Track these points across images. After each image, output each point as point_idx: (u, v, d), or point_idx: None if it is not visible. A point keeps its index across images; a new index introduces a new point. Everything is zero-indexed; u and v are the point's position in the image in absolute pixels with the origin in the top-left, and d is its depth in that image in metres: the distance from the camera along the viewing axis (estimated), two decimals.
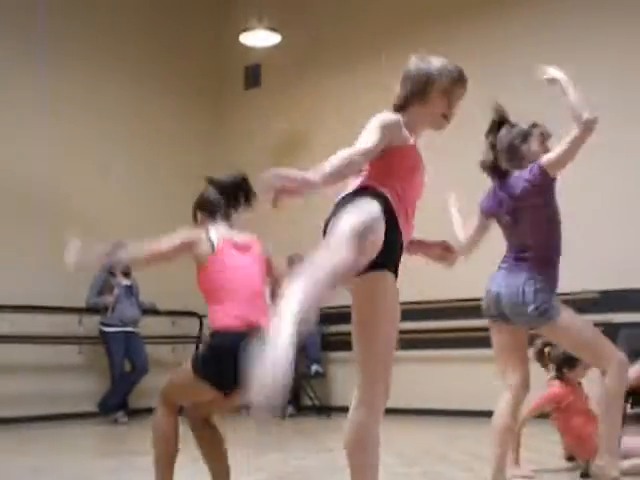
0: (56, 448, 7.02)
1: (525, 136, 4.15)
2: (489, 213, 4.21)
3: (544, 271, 3.96)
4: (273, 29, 9.94)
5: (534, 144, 4.15)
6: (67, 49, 10.00)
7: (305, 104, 10.33)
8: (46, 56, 9.72)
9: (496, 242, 4.19)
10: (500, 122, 4.20)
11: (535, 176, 3.98)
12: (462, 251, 4.12)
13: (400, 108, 2.89)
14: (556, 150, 3.95)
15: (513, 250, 4.07)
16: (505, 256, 4.10)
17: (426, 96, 2.85)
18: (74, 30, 10.12)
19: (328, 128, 9.79)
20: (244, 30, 10.02)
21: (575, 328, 3.94)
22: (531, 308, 3.84)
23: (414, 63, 2.92)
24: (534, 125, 4.21)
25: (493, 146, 4.18)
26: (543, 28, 8.94)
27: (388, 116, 2.79)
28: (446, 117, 2.88)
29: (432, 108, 2.87)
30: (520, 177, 4.05)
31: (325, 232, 2.64)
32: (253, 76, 11.17)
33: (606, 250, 8.03)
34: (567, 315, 3.91)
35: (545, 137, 4.21)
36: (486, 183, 4.25)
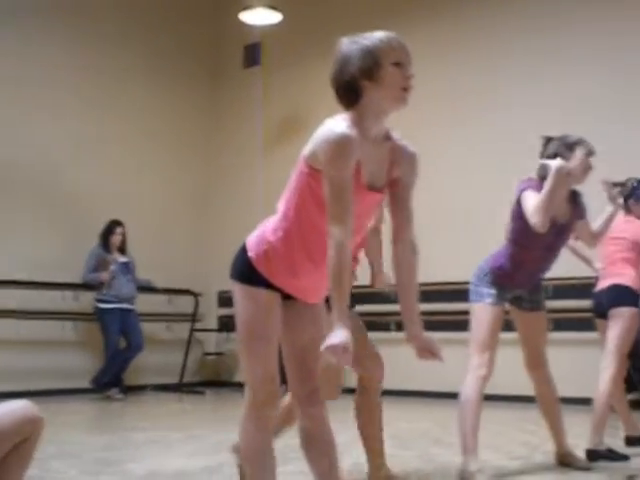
0: (51, 424, 6.99)
1: (571, 147, 4.39)
2: None
3: None
4: (273, 7, 9.87)
5: (578, 156, 4.37)
6: (58, 21, 9.96)
7: (306, 83, 10.28)
8: (32, 26, 9.66)
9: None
10: (549, 138, 4.50)
11: None
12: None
13: (350, 104, 2.54)
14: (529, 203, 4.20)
15: None
16: None
17: (378, 73, 2.49)
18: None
19: (329, 108, 9.71)
20: (244, 8, 9.95)
21: None
22: None
23: (347, 45, 2.56)
24: (580, 140, 4.43)
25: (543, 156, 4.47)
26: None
27: (341, 149, 2.42)
28: (406, 89, 2.51)
29: (389, 85, 2.50)
30: None
31: None
32: (253, 55, 11.10)
33: None
34: None
35: (589, 153, 4.41)
36: None
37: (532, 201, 4.14)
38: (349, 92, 2.53)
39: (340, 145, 2.42)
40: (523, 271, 4.43)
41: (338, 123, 2.48)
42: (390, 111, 2.57)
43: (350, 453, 4.67)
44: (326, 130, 2.47)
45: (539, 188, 4.26)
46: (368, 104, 2.52)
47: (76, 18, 10.10)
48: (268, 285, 2.64)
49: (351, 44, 2.55)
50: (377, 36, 2.54)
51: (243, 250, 2.69)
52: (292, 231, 2.58)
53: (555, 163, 4.09)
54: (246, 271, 2.65)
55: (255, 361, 2.68)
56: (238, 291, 2.69)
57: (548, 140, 4.55)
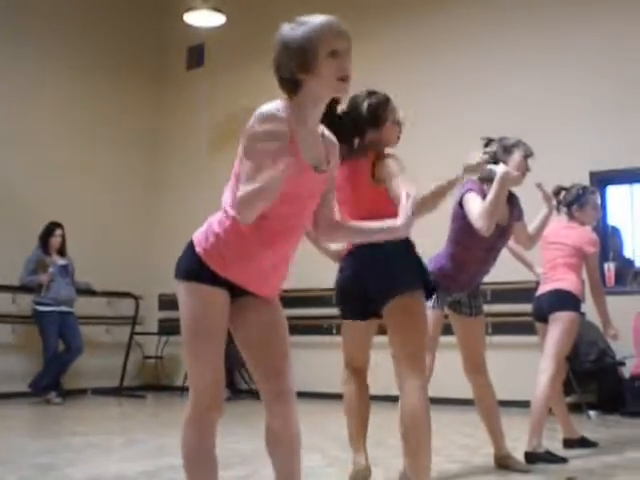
0: None
1: (509, 149, 4.51)
2: None
3: None
4: (217, 9, 9.84)
5: (515, 158, 4.48)
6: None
7: (249, 85, 10.24)
8: None
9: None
10: (489, 140, 4.62)
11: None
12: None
13: (290, 94, 2.57)
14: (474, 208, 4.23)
15: None
16: None
17: (315, 65, 2.49)
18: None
19: None
20: (188, 10, 9.90)
21: None
22: None
23: (286, 32, 2.58)
24: (518, 143, 4.55)
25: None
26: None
27: (265, 122, 2.44)
28: (344, 79, 2.49)
29: (325, 76, 2.49)
30: None
31: None
32: (196, 56, 11.06)
33: None
34: None
35: (526, 155, 4.53)
36: None
37: (476, 205, 4.18)
38: (289, 84, 2.56)
39: (266, 119, 2.45)
40: (464, 272, 4.47)
41: (270, 103, 2.52)
42: (325, 101, 2.61)
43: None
44: (258, 110, 2.50)
45: (481, 190, 4.31)
46: (307, 94, 2.55)
47: (17, 15, 9.96)
48: (215, 282, 2.59)
49: (290, 31, 2.58)
50: (315, 23, 2.55)
51: (190, 247, 2.65)
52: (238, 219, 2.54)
53: (501, 169, 4.13)
54: (194, 268, 2.60)
55: (200, 363, 2.62)
56: (183, 290, 2.63)
57: (488, 142, 4.62)
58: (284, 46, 2.56)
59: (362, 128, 3.72)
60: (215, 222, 2.63)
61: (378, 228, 2.76)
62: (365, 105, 3.74)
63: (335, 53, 2.49)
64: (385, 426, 6.42)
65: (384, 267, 3.55)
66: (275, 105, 2.51)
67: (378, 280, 3.56)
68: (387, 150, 3.69)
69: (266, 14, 10.63)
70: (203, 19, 9.98)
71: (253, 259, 2.59)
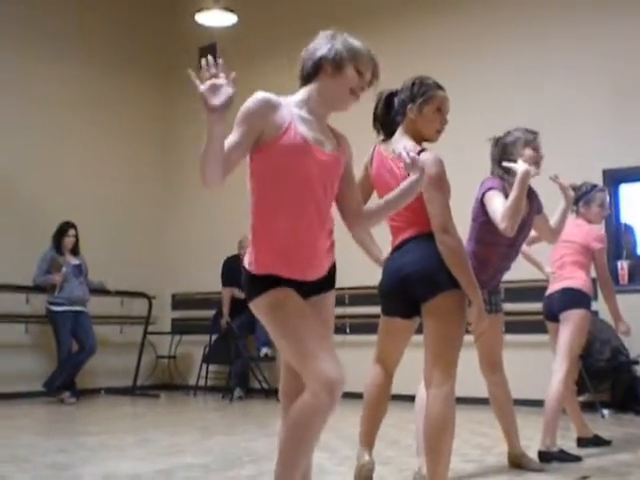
0: (2, 427, 6.94)
1: (512, 145, 4.51)
2: None
3: None
4: (229, 9, 9.84)
5: (527, 153, 4.44)
6: (12, 15, 9.86)
7: (260, 84, 10.19)
8: None
9: None
10: (498, 139, 4.63)
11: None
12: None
13: (306, 80, 2.89)
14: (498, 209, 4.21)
15: None
16: None
17: (341, 68, 2.81)
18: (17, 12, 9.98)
19: None
20: (200, 10, 9.91)
21: None
22: None
23: (328, 35, 2.89)
24: (517, 137, 4.53)
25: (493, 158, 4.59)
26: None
27: (250, 102, 2.76)
28: (354, 93, 2.84)
29: (342, 83, 2.82)
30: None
31: None
32: (207, 57, 11.06)
33: None
34: None
35: (529, 142, 4.50)
36: None
37: (499, 205, 4.15)
38: (311, 69, 2.83)
39: (251, 100, 2.74)
40: (488, 269, 4.44)
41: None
42: (332, 109, 2.86)
43: None
44: None
45: (502, 188, 4.29)
46: (319, 87, 2.82)
47: (31, 12, 9.99)
48: (276, 285, 2.74)
49: (331, 37, 2.86)
50: (356, 42, 2.85)
51: (244, 270, 2.83)
52: (261, 212, 2.76)
53: (522, 168, 4.11)
54: (255, 284, 2.78)
55: (312, 354, 2.63)
56: (262, 307, 2.76)
57: (497, 141, 4.60)
58: (325, 41, 2.84)
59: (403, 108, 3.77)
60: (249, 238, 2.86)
61: (398, 193, 2.98)
62: (410, 83, 3.81)
63: (361, 73, 2.80)
64: (398, 425, 6.44)
65: (427, 263, 3.55)
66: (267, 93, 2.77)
67: (420, 276, 3.56)
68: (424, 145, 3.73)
69: (275, 14, 10.66)
70: (214, 19, 9.98)
71: (288, 241, 2.73)
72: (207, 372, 10.23)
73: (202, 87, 2.51)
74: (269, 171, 2.72)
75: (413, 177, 2.96)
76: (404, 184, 2.98)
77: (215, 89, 2.51)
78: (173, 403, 9.62)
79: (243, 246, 9.05)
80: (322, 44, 2.83)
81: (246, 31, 10.45)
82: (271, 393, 9.41)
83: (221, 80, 2.53)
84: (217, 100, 2.51)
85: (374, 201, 3.25)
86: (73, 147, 10.38)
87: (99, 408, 8.89)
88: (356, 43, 2.83)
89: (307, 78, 2.85)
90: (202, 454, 5.29)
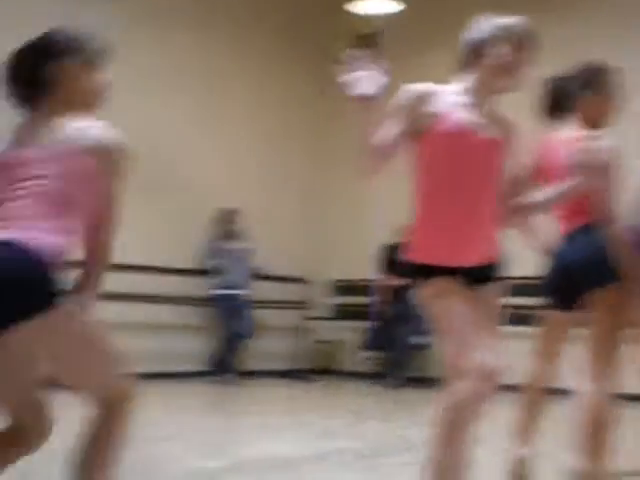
0: (169, 405, 7.20)
1: None
2: None
3: None
4: None
5: None
6: (193, 17, 10.14)
7: (425, 72, 10.04)
8: (167, 24, 9.85)
9: None
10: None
11: None
12: None
13: (466, 65, 2.89)
14: None
15: None
16: None
17: (491, 50, 2.81)
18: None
19: None
20: None
21: None
22: None
23: (488, 20, 2.87)
24: None
25: None
26: None
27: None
28: (508, 70, 2.81)
29: (495, 59, 2.81)
30: None
31: None
32: (370, 45, 11.07)
33: None
34: None
35: None
36: None
37: None
38: (468, 54, 2.83)
39: (403, 91, 2.76)
40: None
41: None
42: (491, 91, 2.83)
43: None
44: None
45: None
46: (477, 71, 2.81)
47: (206, 16, 10.27)
48: (440, 274, 2.76)
49: (485, 20, 2.85)
50: (511, 19, 2.82)
51: (405, 259, 2.86)
52: (423, 199, 2.80)
53: None
54: (417, 272, 2.81)
55: (473, 344, 2.66)
56: (424, 296, 2.80)
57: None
58: (485, 22, 2.85)
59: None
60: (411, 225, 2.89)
61: (554, 193, 2.95)
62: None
63: (516, 49, 2.78)
64: (556, 419, 6.27)
65: (593, 254, 3.46)
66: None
67: (586, 267, 3.47)
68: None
69: (441, 2, 10.53)
70: (376, 7, 9.96)
71: (446, 235, 2.76)
72: (364, 358, 10.29)
73: (344, 77, 2.56)
74: (428, 158, 2.76)
75: (572, 182, 2.88)
76: (561, 186, 2.92)
77: (366, 78, 2.54)
78: (328, 387, 9.75)
79: (402, 233, 9.03)
80: (477, 28, 2.84)
81: (409, 20, 10.37)
82: (426, 381, 9.37)
83: (371, 70, 2.55)
84: (364, 89, 2.54)
85: (538, 190, 3.17)
86: (233, 134, 10.59)
87: (258, 390, 9.11)
88: (510, 20, 2.82)
89: (466, 64, 2.85)
90: (355, 439, 5.33)
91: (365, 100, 2.56)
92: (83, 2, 8.43)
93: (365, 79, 2.58)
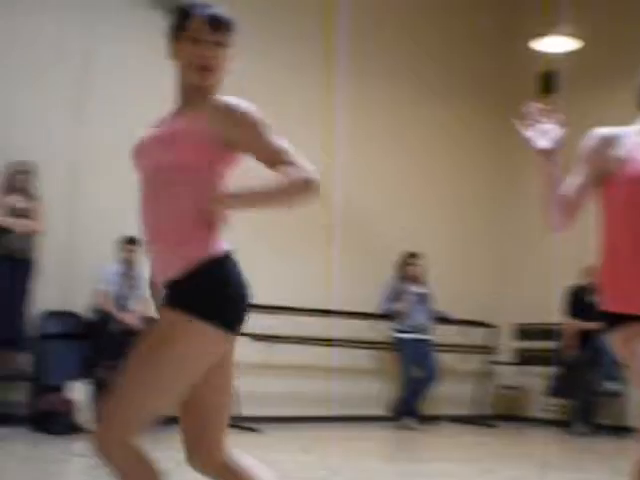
0: (347, 449, 7.23)
1: None
2: None
3: None
4: (570, 34, 9.62)
5: None
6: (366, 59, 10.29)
7: (609, 107, 9.81)
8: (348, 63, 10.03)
9: None
10: None
11: None
12: None
13: None
14: None
15: None
16: None
17: None
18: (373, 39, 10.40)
19: None
20: (537, 36, 9.77)
21: None
22: None
23: None
24: None
25: None
26: None
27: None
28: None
29: None
30: None
31: None
32: (549, 83, 10.89)
33: None
34: None
35: None
36: None
37: None
38: None
39: (587, 138, 2.67)
40: None
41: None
42: None
43: None
44: None
45: None
46: None
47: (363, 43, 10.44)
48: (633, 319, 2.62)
49: None
50: None
51: (598, 305, 2.74)
52: (608, 245, 2.67)
53: None
54: (608, 316, 2.67)
55: None
56: (616, 340, 2.67)
57: None
58: None
59: None
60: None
61: None
62: None
63: None
64: None
65: None
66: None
67: None
68: None
69: (624, 38, 10.21)
70: (555, 45, 9.80)
71: (631, 283, 2.61)
72: (548, 405, 9.98)
73: (527, 133, 2.52)
74: (615, 204, 2.65)
75: None
76: None
77: (543, 132, 2.50)
78: (514, 434, 9.50)
79: (588, 275, 8.77)
80: None
81: (589, 58, 10.12)
82: (618, 430, 8.97)
83: (548, 125, 2.50)
84: (545, 142, 2.49)
85: None
86: (415, 181, 10.63)
87: (440, 435, 9.00)
88: None
89: None
90: None
91: (544, 154, 2.52)
92: None
93: (543, 133, 2.54)
